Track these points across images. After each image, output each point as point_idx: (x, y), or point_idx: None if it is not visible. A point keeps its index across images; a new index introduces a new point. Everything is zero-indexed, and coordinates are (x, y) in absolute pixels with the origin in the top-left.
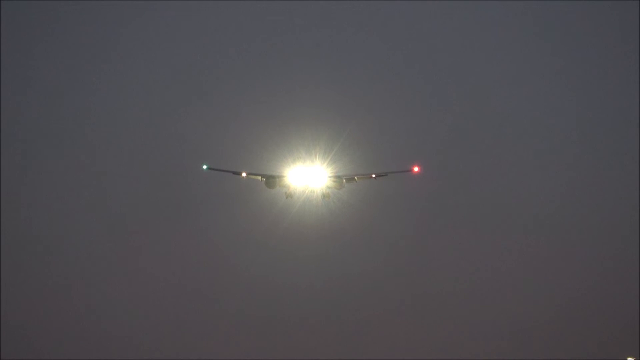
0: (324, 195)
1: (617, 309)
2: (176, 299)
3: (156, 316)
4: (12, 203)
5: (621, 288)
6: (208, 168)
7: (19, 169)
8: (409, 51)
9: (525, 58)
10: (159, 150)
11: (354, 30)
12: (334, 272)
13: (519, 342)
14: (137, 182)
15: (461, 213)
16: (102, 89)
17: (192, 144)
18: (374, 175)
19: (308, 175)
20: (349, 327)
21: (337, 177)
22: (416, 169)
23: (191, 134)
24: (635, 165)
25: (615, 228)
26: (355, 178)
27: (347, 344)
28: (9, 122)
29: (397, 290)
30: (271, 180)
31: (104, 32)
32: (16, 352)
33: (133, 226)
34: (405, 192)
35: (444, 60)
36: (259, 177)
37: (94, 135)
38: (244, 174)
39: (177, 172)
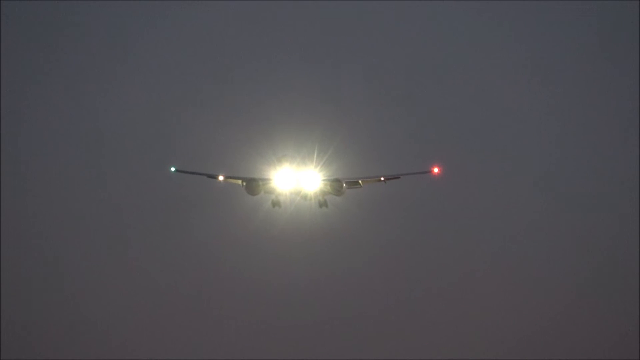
0: (320, 204)
1: (617, 310)
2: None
3: (149, 317)
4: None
5: (622, 289)
6: (176, 170)
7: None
8: (418, 44)
9: (535, 56)
10: (127, 153)
11: (360, 21)
12: (331, 293)
13: (521, 344)
14: (103, 186)
15: (480, 216)
16: (69, 89)
17: (162, 143)
18: (382, 179)
19: (299, 179)
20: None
21: (336, 181)
22: (436, 169)
23: (161, 132)
24: None
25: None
26: (360, 182)
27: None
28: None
29: (416, 319)
30: (253, 185)
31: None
32: (16, 352)
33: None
34: (422, 198)
35: (453, 54)
36: (239, 181)
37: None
38: (221, 178)
39: (143, 175)
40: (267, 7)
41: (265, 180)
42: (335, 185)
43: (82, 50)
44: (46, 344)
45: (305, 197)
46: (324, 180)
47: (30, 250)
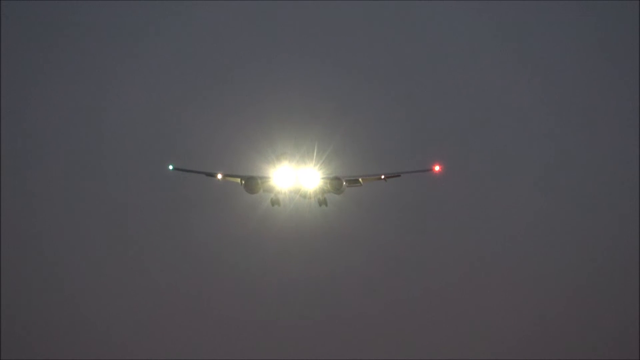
0: (320, 202)
1: (617, 310)
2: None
3: (148, 316)
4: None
5: (622, 289)
6: (174, 169)
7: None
8: (418, 44)
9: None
10: (127, 152)
11: (363, 17)
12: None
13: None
14: (102, 185)
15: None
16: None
17: (161, 142)
18: (383, 177)
19: (298, 177)
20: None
21: (335, 179)
22: (437, 167)
23: (161, 132)
24: None
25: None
26: (360, 180)
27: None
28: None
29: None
30: (252, 183)
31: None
32: (16, 352)
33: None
34: (423, 197)
35: (453, 54)
36: (238, 180)
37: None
38: (219, 176)
39: (142, 174)
40: (267, 7)
41: (265, 179)
42: (335, 184)
43: (82, 50)
44: (46, 344)
45: (304, 196)
46: (323, 178)
47: (30, 250)
